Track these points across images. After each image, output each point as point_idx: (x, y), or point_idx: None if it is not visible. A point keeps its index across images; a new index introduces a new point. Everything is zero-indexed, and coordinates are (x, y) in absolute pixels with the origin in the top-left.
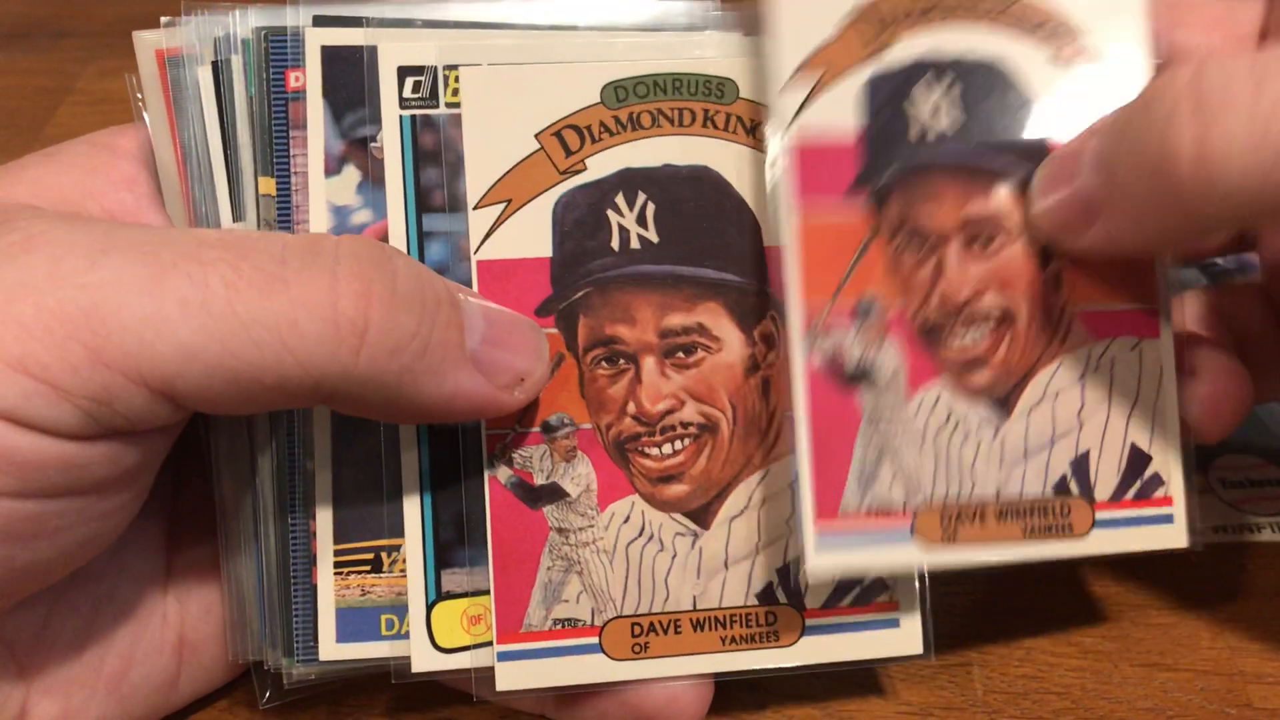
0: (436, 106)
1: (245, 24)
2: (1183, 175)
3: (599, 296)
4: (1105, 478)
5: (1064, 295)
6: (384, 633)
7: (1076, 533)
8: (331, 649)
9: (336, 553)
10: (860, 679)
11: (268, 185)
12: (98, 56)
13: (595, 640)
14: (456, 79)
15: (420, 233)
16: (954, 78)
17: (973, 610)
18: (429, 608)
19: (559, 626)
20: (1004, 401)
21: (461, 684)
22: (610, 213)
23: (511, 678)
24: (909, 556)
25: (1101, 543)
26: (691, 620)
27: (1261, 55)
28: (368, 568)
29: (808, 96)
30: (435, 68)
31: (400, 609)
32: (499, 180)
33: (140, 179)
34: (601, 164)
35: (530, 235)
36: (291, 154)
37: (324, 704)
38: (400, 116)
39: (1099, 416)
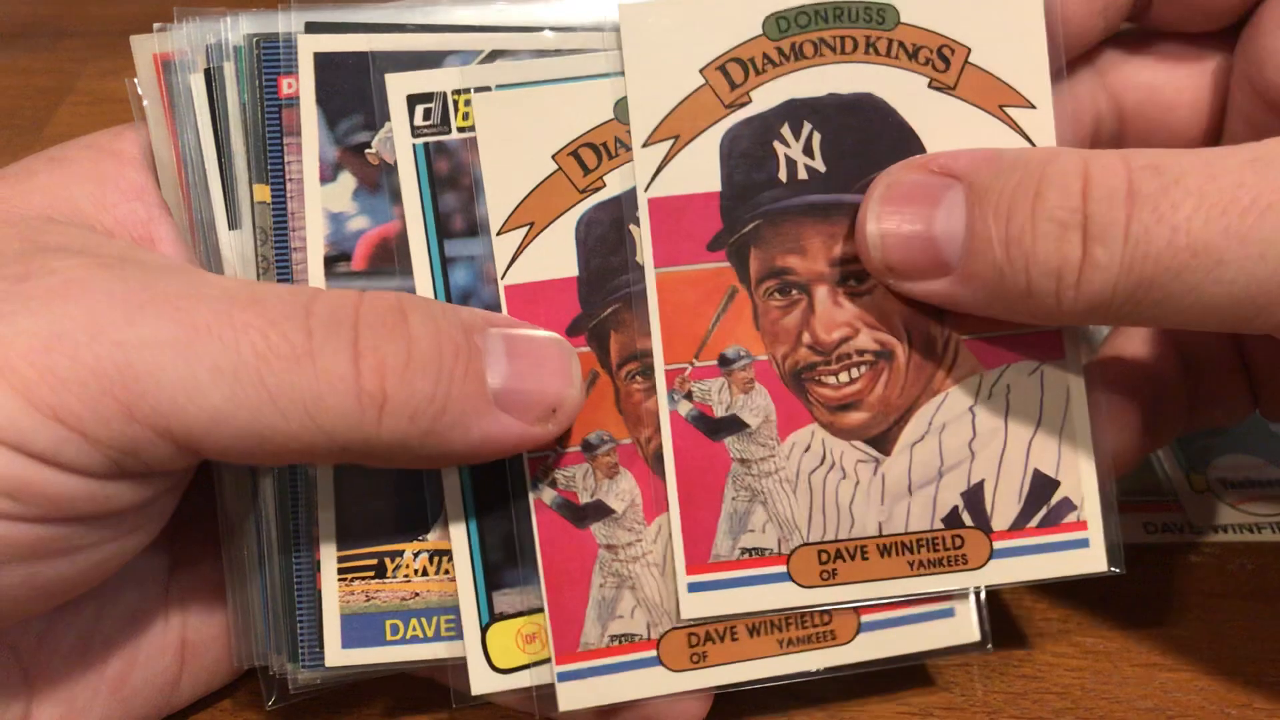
0: (449, 132)
1: (237, 31)
2: (1062, 288)
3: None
4: (1003, 507)
5: (947, 326)
6: (389, 638)
7: (971, 564)
8: (337, 655)
9: (340, 559)
10: (860, 680)
11: (262, 192)
12: (98, 56)
13: (654, 653)
14: (467, 103)
15: (444, 259)
16: (818, 119)
17: None
18: (484, 630)
19: (616, 643)
20: (882, 438)
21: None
22: (632, 227)
23: (573, 697)
24: (784, 599)
25: (1002, 573)
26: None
27: (1135, 175)
28: (371, 573)
29: (663, 160)
30: (445, 93)
31: (404, 614)
32: (520, 204)
33: (149, 188)
34: (620, 179)
35: (555, 256)
36: (286, 160)
37: (325, 704)
38: (413, 145)
39: (994, 445)
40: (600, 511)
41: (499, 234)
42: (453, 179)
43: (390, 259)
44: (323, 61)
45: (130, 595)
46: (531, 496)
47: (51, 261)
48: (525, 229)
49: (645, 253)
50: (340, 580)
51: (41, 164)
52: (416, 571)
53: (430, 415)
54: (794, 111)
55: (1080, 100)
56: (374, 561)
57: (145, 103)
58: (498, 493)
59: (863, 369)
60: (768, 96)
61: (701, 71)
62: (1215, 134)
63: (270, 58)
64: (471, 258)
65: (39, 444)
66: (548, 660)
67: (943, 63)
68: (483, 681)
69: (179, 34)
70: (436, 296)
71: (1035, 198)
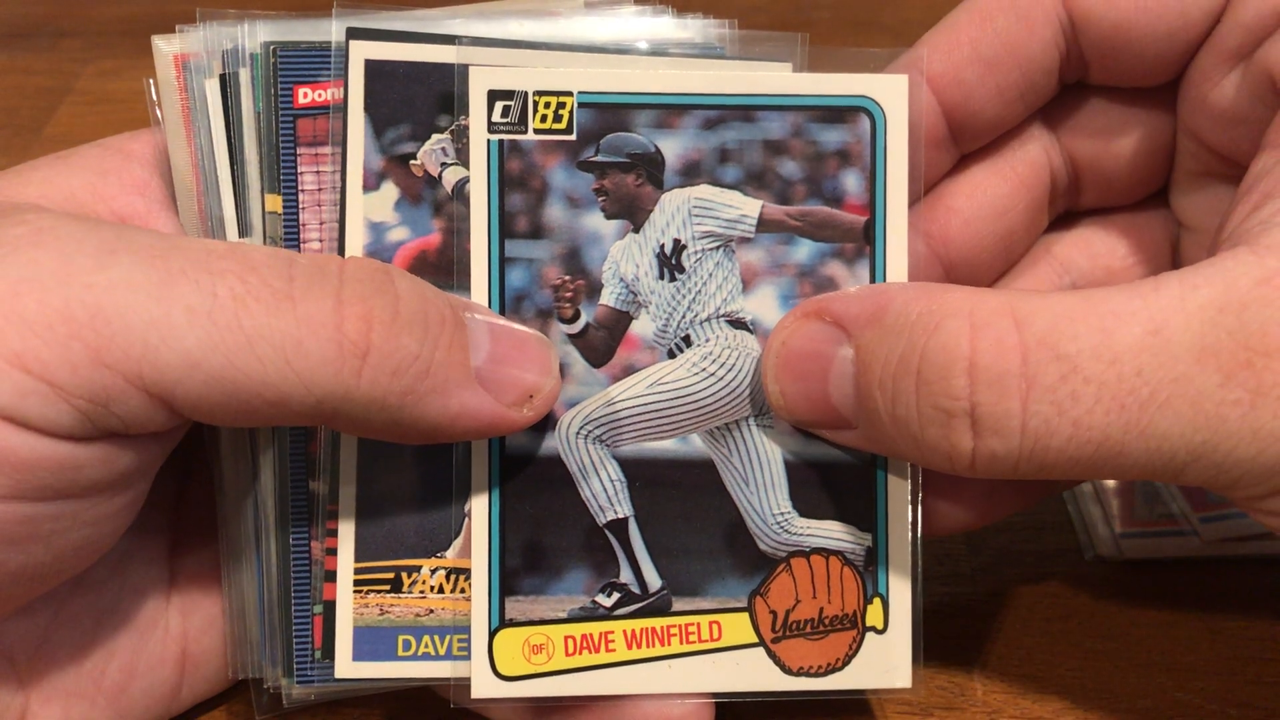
0: (525, 132)
1: (254, 37)
2: (958, 468)
3: None
4: None
5: None
6: (400, 653)
7: None
8: (347, 667)
9: (357, 571)
10: None
11: (274, 203)
12: (98, 56)
13: None
14: (546, 105)
15: (502, 258)
16: None
17: (972, 611)
18: (492, 634)
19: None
20: None
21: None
22: None
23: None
24: None
25: None
26: None
27: (1030, 355)
28: (387, 587)
29: None
30: (526, 93)
31: (417, 630)
32: None
33: (152, 184)
34: None
35: None
36: (299, 171)
37: (323, 710)
38: (488, 141)
39: None
40: None
41: None
42: (522, 180)
43: (429, 272)
44: (374, 69)
45: (130, 604)
46: None
47: (24, 215)
48: None
49: None
50: (356, 592)
51: (48, 160)
52: (433, 588)
53: (413, 374)
54: None
55: (1034, 156)
56: (391, 575)
57: (163, 104)
58: (524, 498)
59: None
60: None
61: None
62: (1166, 176)
63: (287, 66)
64: (530, 260)
65: (3, 396)
66: (552, 673)
67: None
68: (485, 685)
69: (194, 37)
70: (490, 293)
71: (918, 380)
